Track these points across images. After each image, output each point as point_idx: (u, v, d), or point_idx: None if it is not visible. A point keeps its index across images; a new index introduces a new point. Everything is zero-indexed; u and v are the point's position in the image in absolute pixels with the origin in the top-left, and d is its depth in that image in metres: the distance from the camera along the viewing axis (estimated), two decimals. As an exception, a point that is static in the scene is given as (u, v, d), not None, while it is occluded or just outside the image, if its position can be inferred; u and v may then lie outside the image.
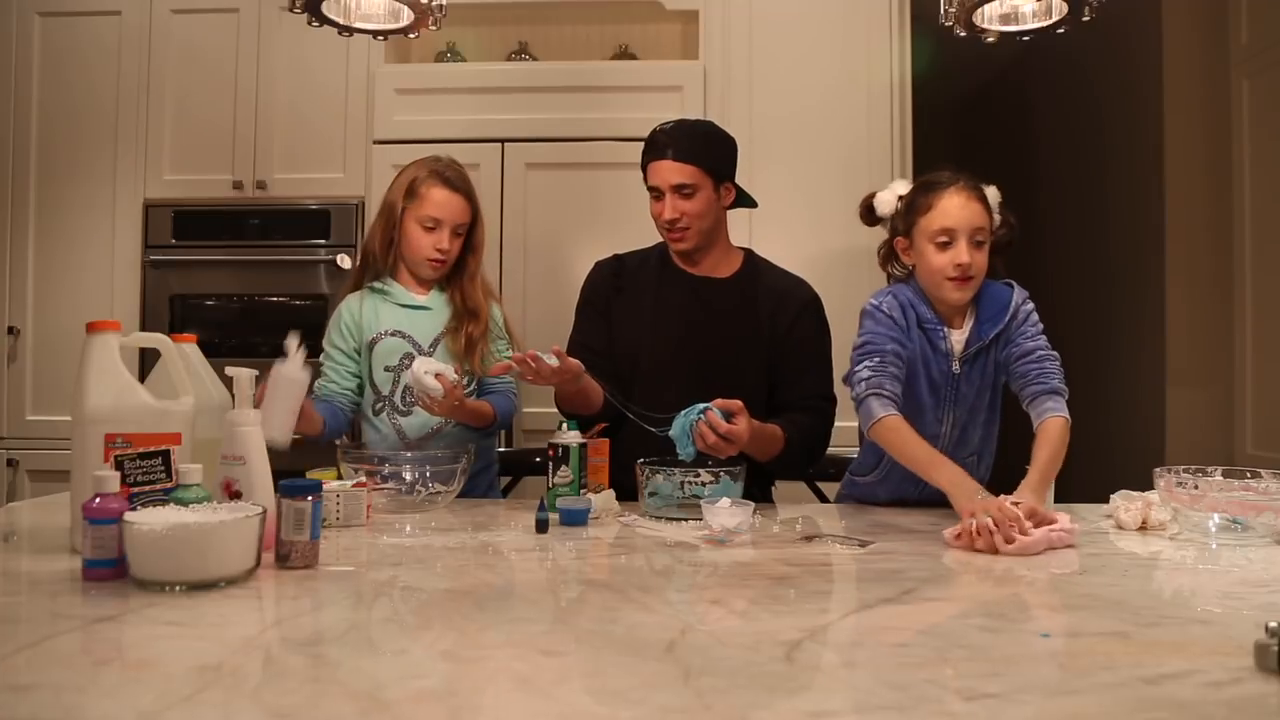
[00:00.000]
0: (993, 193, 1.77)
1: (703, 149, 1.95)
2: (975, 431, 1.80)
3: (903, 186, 1.84)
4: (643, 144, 1.99)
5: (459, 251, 2.06)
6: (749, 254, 2.09)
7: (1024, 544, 1.36)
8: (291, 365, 1.59)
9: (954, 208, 1.68)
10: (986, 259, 1.70)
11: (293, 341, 1.58)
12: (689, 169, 1.92)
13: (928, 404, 1.75)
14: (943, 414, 1.76)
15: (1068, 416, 1.64)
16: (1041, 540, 1.38)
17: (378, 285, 2.06)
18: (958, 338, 1.75)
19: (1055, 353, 1.72)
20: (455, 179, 2.04)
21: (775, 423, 1.87)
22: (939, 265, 1.69)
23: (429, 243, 2.01)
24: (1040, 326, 1.75)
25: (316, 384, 2.01)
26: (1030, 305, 1.76)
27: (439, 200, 2.00)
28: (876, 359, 1.69)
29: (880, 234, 1.91)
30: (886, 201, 1.84)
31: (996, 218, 1.75)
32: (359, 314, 2.04)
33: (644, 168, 1.99)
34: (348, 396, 2.04)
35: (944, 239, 1.68)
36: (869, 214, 1.89)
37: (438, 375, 1.83)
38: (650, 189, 1.97)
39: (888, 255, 1.86)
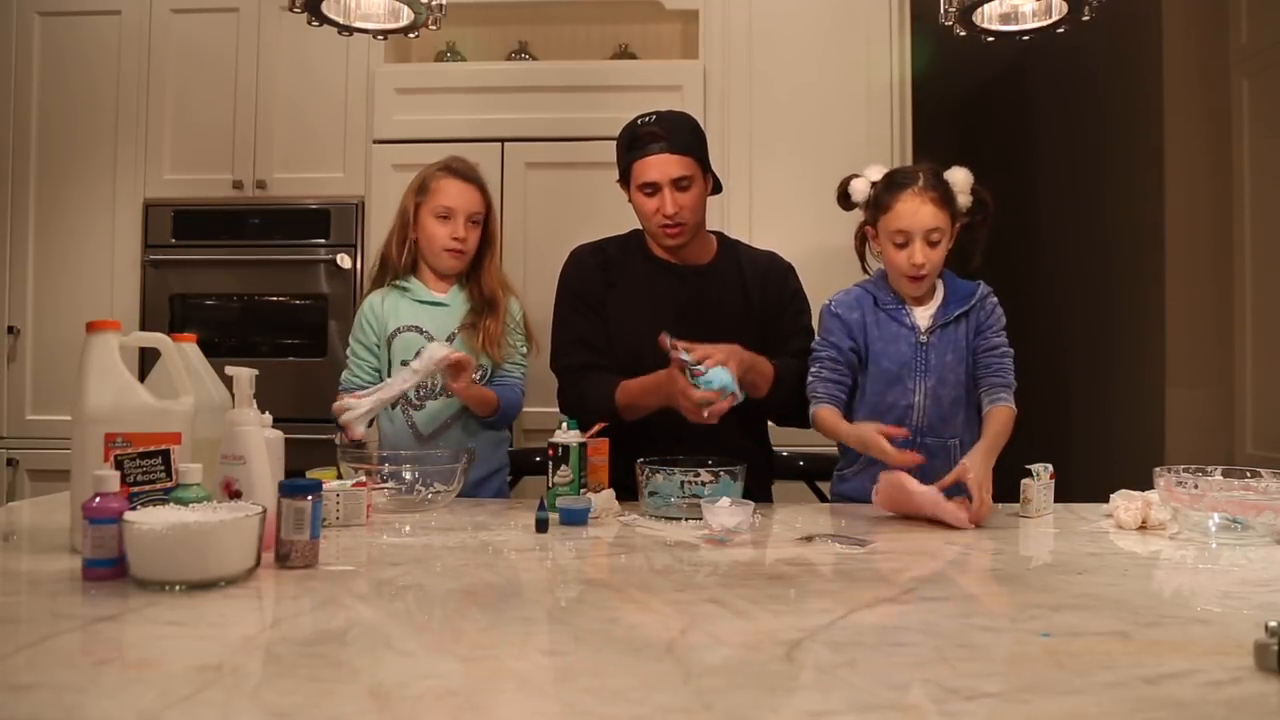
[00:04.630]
0: (961, 177, 1.84)
1: (694, 140, 1.94)
2: (956, 411, 1.85)
3: (876, 173, 1.90)
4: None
5: (477, 243, 2.10)
6: (720, 235, 2.11)
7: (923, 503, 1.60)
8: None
9: (908, 212, 1.80)
10: (943, 253, 1.82)
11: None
12: (687, 161, 1.90)
13: (898, 374, 1.85)
14: (914, 383, 1.85)
15: (1014, 408, 1.81)
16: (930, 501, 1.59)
17: (399, 283, 2.12)
18: (922, 313, 1.87)
19: (1012, 350, 1.86)
20: (465, 170, 2.11)
21: (770, 361, 1.90)
22: (897, 262, 1.83)
23: (445, 233, 2.06)
24: (1004, 322, 1.89)
25: (342, 376, 2.12)
26: (996, 300, 1.89)
27: (450, 190, 2.06)
28: (816, 365, 1.88)
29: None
30: (860, 190, 1.90)
31: (968, 199, 1.84)
32: (380, 309, 2.10)
33: (628, 165, 1.94)
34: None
35: (901, 240, 1.81)
36: (844, 199, 1.94)
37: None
38: (643, 186, 1.92)
39: (861, 240, 1.94)
